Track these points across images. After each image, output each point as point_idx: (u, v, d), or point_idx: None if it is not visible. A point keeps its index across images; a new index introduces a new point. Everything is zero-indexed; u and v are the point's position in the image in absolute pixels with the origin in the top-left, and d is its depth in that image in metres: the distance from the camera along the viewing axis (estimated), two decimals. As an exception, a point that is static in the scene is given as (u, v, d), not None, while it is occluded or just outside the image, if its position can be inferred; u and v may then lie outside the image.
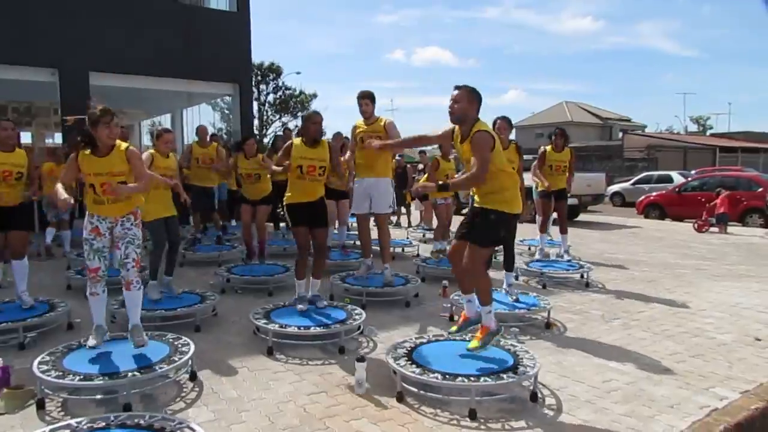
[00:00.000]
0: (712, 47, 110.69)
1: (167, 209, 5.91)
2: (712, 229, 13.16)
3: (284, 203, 5.54)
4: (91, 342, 4.06)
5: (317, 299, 5.42)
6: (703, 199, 14.21)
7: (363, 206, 6.57)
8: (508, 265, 6.11)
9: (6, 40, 11.36)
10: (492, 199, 4.06)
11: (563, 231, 8.36)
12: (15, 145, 5.55)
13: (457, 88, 4.06)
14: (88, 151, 4.06)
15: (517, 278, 7.47)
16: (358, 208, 6.66)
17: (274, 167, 5.58)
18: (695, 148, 35.95)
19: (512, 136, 6.57)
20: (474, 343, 4.08)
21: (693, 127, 62.35)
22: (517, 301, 5.75)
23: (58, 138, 18.72)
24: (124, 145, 4.15)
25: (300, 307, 5.27)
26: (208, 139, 9.25)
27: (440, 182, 4.31)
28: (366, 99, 6.39)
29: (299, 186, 5.42)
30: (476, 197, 4.19)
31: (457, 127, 4.12)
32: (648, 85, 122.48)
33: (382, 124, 6.35)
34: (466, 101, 3.99)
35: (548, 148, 8.18)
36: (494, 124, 6.06)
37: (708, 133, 56.93)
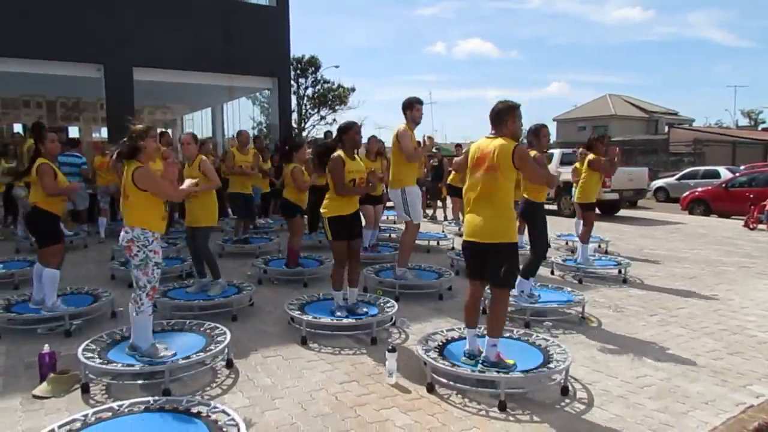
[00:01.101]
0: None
1: (213, 218, 6.03)
2: (760, 226, 12.76)
3: (326, 217, 5.14)
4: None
5: (357, 306, 5.22)
6: (751, 196, 13.78)
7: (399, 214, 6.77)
8: (531, 271, 5.65)
9: (54, 37, 11.76)
10: (496, 228, 3.82)
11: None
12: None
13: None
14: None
15: (552, 273, 7.43)
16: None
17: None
18: (745, 143, 34.78)
19: (552, 130, 6.39)
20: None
21: (744, 121, 60.35)
22: (532, 297, 5.61)
23: (104, 132, 19.33)
24: (134, 164, 4.03)
25: (338, 314, 5.07)
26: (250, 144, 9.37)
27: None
28: (420, 105, 6.42)
29: (347, 198, 5.15)
30: (473, 230, 3.91)
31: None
32: (698, 78, 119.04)
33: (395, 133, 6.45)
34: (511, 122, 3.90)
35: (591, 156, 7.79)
36: (540, 131, 5.85)
37: (760, 127, 55.01)
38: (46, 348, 4.00)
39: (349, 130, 5.18)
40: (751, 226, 12.75)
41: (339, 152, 5.12)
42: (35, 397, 3.70)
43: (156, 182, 4.03)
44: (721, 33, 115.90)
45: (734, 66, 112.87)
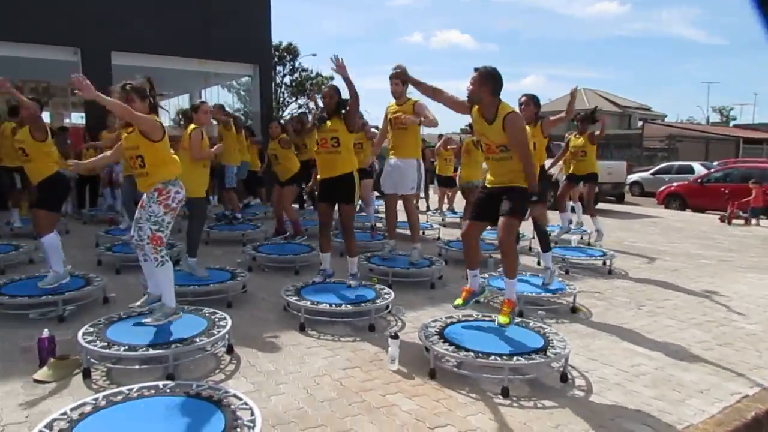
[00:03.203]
0: (739, 35, 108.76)
1: (203, 189, 6.00)
2: (735, 221, 13.05)
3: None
4: (135, 304, 4.40)
5: (352, 278, 5.47)
6: (726, 191, 14.09)
7: (389, 186, 6.66)
8: (545, 244, 6.02)
9: (29, 18, 11.45)
10: (516, 176, 4.16)
11: (592, 213, 8.70)
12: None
13: (475, 69, 4.10)
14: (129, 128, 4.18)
15: (539, 263, 7.52)
16: (385, 188, 6.76)
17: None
18: (717, 139, 35.49)
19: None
20: (504, 319, 4.16)
21: (715, 118, 61.60)
22: (546, 286, 5.75)
23: (75, 118, 18.89)
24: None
25: (315, 279, 5.49)
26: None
27: (533, 195, 4.21)
28: (395, 79, 6.33)
29: (319, 161, 5.52)
30: (495, 177, 4.29)
31: (476, 106, 4.17)
32: (670, 74, 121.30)
33: (412, 104, 6.40)
34: (478, 83, 4.05)
35: (572, 136, 8.38)
36: (519, 100, 6.05)
37: (731, 124, 56.16)
38: (46, 332, 3.94)
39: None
40: (729, 222, 13.01)
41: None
42: (36, 381, 3.65)
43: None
44: (693, 30, 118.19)
45: (705, 63, 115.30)
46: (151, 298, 4.37)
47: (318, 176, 5.58)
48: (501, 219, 4.16)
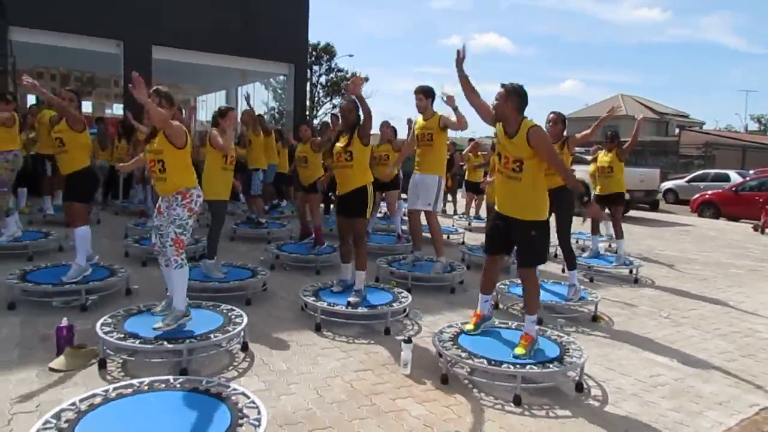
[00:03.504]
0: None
1: (227, 192, 6.05)
2: (768, 230, 12.72)
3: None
4: (157, 308, 4.38)
5: (357, 293, 5.20)
6: (761, 200, 13.73)
7: (411, 201, 6.61)
8: (571, 263, 5.78)
9: (74, 10, 11.78)
10: (525, 206, 4.05)
11: (618, 236, 7.88)
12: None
13: (502, 86, 4.06)
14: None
15: (563, 271, 7.40)
16: (408, 202, 6.74)
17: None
18: (755, 147, 34.58)
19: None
20: (520, 350, 3.95)
21: (753, 126, 60.10)
22: (569, 301, 5.57)
23: (117, 109, 19.36)
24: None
25: (334, 289, 5.37)
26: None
27: (581, 195, 4.23)
28: (419, 94, 6.29)
29: (336, 176, 5.43)
30: (500, 200, 4.19)
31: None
32: (709, 81, 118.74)
33: (437, 118, 6.28)
34: (504, 99, 4.01)
35: (601, 153, 8.15)
36: (547, 118, 5.99)
37: (769, 132, 54.77)
38: (65, 321, 4.02)
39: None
40: (763, 231, 12.69)
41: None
42: (51, 369, 3.72)
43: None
44: (733, 38, 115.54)
45: (745, 71, 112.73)
46: (169, 299, 4.40)
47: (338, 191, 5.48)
48: (518, 270, 4.21)
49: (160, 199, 4.33)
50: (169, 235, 4.17)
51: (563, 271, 7.36)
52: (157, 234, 4.36)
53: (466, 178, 12.07)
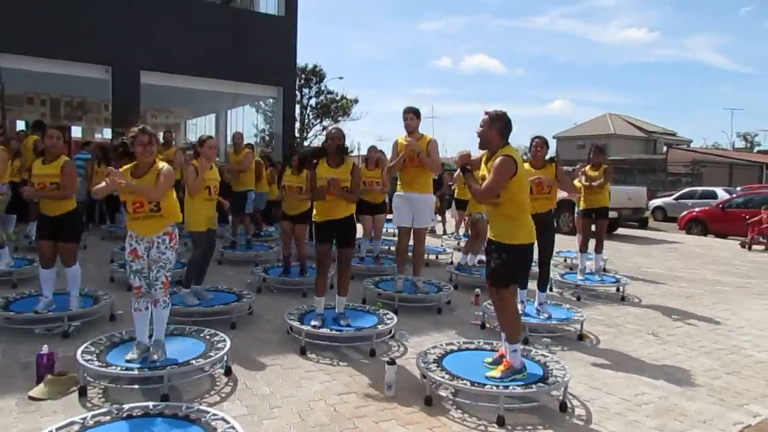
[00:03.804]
0: (765, 63, 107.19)
1: (210, 222, 5.99)
2: (755, 246, 12.81)
3: (313, 221, 5.33)
4: (130, 356, 4.02)
5: (341, 317, 5.21)
6: (747, 217, 13.85)
7: (405, 220, 6.49)
8: (542, 284, 5.83)
9: (64, 37, 11.86)
10: (502, 230, 4.06)
11: (598, 250, 8.15)
12: (58, 155, 5.46)
13: (486, 113, 4.12)
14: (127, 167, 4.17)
15: (551, 289, 7.41)
16: (400, 221, 6.57)
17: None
18: (741, 165, 34.95)
19: (553, 147, 6.49)
20: (494, 373, 3.95)
21: (740, 143, 60.78)
22: (549, 318, 5.63)
23: (107, 133, 19.40)
24: (161, 164, 4.15)
25: (314, 323, 5.03)
26: (242, 146, 9.56)
27: (467, 166, 4.24)
28: (410, 114, 6.29)
29: (324, 204, 5.16)
30: (490, 229, 4.23)
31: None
32: (696, 100, 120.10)
33: (426, 141, 6.26)
34: (488, 125, 4.06)
35: (587, 167, 8.16)
36: (532, 142, 6.00)
37: (755, 149, 55.38)
38: (45, 348, 3.98)
39: (327, 139, 5.27)
40: (749, 248, 12.78)
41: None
42: (31, 398, 3.68)
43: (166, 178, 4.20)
44: (720, 57, 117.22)
45: (731, 89, 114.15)
46: (143, 347, 4.14)
47: (320, 218, 5.22)
48: (487, 288, 4.24)
49: (133, 240, 4.12)
50: (159, 279, 4.10)
51: (550, 289, 7.38)
52: (140, 277, 4.14)
53: (456, 196, 12.10)
